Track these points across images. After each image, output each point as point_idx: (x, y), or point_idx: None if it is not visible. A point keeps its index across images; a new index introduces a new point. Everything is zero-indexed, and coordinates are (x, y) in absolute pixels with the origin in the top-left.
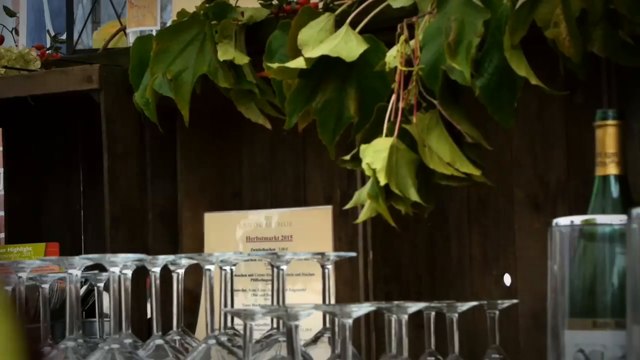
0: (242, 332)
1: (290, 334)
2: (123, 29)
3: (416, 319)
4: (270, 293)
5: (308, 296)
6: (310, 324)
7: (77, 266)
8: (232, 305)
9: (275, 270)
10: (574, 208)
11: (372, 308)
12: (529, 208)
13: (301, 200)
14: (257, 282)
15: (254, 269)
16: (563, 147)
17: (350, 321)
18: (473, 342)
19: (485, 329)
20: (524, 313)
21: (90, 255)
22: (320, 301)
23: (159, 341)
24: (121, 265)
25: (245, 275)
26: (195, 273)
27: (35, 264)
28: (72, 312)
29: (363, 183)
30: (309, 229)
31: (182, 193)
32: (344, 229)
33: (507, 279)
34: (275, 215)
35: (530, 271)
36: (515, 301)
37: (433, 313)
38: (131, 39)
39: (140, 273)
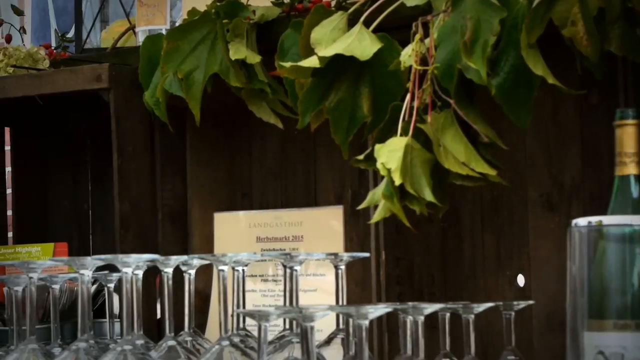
0: (254, 333)
1: (305, 336)
2: (132, 27)
3: (429, 320)
4: (280, 294)
5: (319, 297)
6: (320, 324)
7: (89, 267)
8: (244, 306)
9: (288, 270)
10: (589, 208)
11: (389, 309)
12: (543, 208)
13: (311, 200)
14: (267, 282)
15: (264, 269)
16: (578, 147)
17: (366, 322)
18: (486, 343)
19: (497, 330)
20: (538, 313)
21: (103, 256)
22: (331, 302)
23: (172, 342)
24: (134, 265)
25: (255, 276)
26: (204, 273)
27: (46, 264)
28: (84, 313)
29: (375, 183)
30: (319, 229)
31: (192, 193)
32: (355, 229)
33: (521, 280)
34: (285, 215)
35: (544, 271)
36: (531, 302)
37: (448, 314)
38: (140, 38)
39: (150, 273)
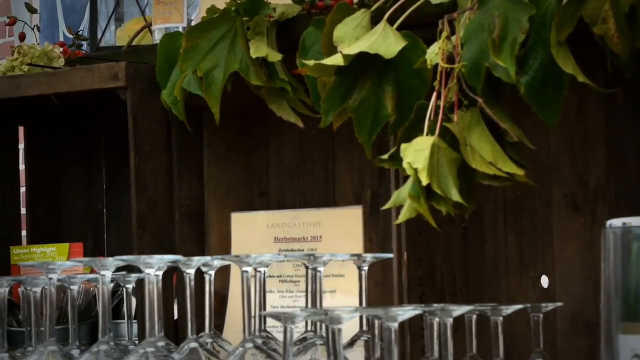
0: (274, 335)
1: (332, 338)
2: (148, 25)
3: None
4: (299, 294)
5: (339, 298)
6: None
7: (110, 267)
8: (264, 308)
9: (310, 271)
10: (615, 209)
11: (418, 311)
12: (568, 208)
13: (330, 200)
14: (286, 283)
15: (282, 270)
16: (603, 146)
17: (396, 325)
18: (509, 345)
19: (520, 332)
20: (562, 315)
21: (125, 257)
22: (351, 302)
23: (194, 344)
24: (156, 266)
25: (273, 277)
26: (221, 274)
27: (66, 265)
28: (105, 315)
29: (396, 182)
30: (338, 229)
31: (209, 192)
32: (375, 230)
33: (545, 281)
34: (303, 215)
35: (568, 273)
36: (559, 304)
37: (474, 316)
38: (157, 36)
39: (167, 274)
